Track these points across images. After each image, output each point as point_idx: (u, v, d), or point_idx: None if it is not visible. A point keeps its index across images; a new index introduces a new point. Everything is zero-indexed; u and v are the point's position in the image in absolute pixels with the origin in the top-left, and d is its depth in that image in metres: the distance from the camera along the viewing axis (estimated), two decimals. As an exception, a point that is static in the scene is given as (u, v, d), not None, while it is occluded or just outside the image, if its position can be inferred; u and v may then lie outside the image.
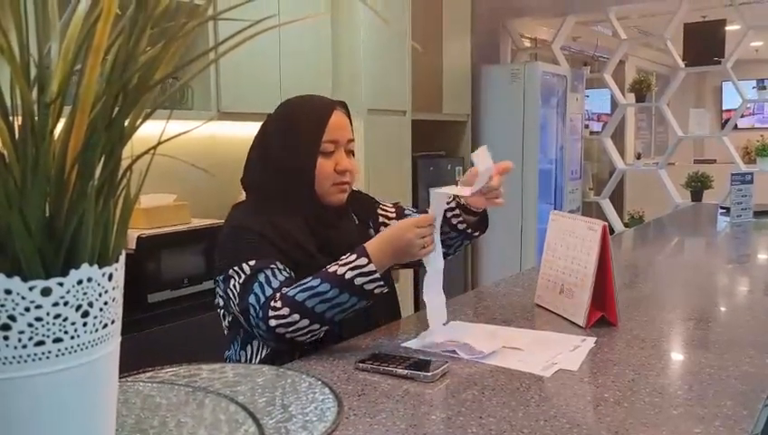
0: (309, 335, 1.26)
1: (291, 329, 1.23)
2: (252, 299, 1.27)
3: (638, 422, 0.95)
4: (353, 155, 1.48)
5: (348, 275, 1.25)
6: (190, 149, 2.61)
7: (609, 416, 0.98)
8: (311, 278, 1.27)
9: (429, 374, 1.11)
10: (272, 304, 1.24)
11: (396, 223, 1.37)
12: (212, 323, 2.32)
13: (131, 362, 0.72)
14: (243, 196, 1.50)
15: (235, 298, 1.30)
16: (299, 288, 1.26)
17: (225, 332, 1.45)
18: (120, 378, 0.56)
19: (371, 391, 1.08)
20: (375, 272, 1.26)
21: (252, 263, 1.30)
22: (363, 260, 1.26)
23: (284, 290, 1.26)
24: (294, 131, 1.42)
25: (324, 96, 1.54)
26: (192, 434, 0.61)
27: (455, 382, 1.11)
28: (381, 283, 1.27)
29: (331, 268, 1.27)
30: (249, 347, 1.39)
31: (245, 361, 1.39)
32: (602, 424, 0.96)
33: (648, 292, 1.85)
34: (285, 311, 1.23)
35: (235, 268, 1.31)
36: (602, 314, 1.43)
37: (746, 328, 1.47)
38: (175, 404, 0.66)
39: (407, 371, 1.13)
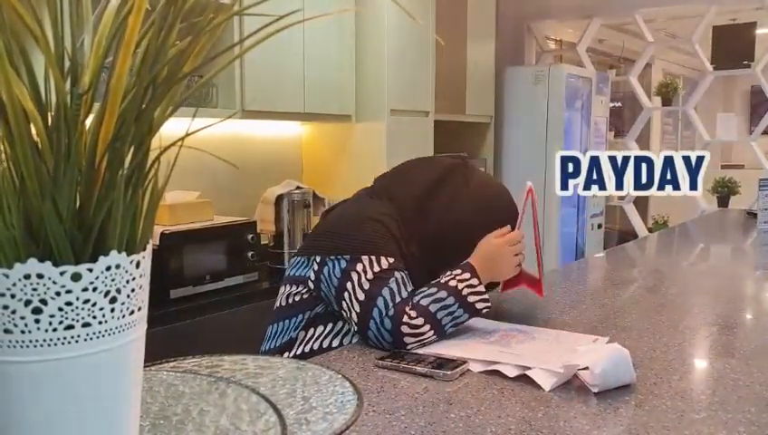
0: (421, 344, 1.26)
1: (416, 338, 1.24)
2: (386, 296, 1.26)
3: (660, 426, 0.94)
4: None
5: (464, 291, 1.28)
6: (214, 148, 2.63)
7: (630, 418, 0.97)
8: (427, 287, 1.29)
9: (449, 373, 1.11)
10: (407, 310, 1.24)
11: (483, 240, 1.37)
12: (233, 320, 2.36)
13: (153, 357, 0.74)
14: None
15: (360, 286, 1.27)
16: (429, 298, 1.27)
17: (282, 304, 1.39)
18: (143, 368, 0.57)
19: (391, 388, 1.08)
20: (485, 292, 1.30)
21: (391, 260, 1.30)
22: (475, 281, 1.30)
23: (415, 298, 1.27)
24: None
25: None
26: (214, 422, 0.62)
27: (474, 381, 1.11)
28: (489, 304, 1.31)
29: (445, 280, 1.30)
30: (312, 329, 1.37)
31: (302, 340, 1.37)
32: (623, 426, 0.95)
33: (671, 296, 1.83)
34: (420, 321, 1.24)
35: (370, 257, 1.29)
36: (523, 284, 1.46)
37: (772, 334, 1.44)
38: (198, 393, 0.67)
39: (426, 369, 1.13)
